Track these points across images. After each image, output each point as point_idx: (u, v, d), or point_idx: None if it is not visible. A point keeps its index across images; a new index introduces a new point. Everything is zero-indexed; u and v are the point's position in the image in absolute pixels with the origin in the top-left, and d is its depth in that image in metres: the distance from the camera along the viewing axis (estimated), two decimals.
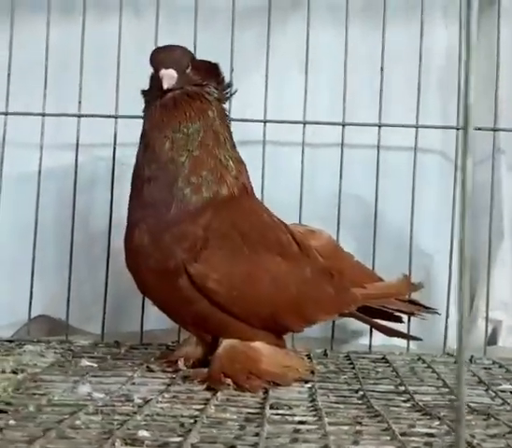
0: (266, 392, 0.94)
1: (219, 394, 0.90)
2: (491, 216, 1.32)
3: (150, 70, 0.99)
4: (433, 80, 1.36)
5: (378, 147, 1.29)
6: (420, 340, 1.22)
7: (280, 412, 0.82)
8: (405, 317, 1.23)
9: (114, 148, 1.30)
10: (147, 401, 0.84)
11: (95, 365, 1.08)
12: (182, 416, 0.77)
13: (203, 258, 0.93)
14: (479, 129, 1.28)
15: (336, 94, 1.34)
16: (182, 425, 0.74)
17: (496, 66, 1.29)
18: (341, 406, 0.88)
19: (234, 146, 1.00)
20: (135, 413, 0.78)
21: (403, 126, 1.31)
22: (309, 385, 0.99)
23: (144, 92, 1.02)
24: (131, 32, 1.35)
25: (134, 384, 0.96)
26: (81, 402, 0.83)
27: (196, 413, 0.79)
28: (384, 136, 1.33)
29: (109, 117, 1.30)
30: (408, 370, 1.14)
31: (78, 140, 1.31)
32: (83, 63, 1.31)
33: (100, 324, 1.45)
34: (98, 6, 1.37)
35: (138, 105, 1.31)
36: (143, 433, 0.68)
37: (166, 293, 0.98)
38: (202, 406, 0.83)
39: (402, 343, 1.32)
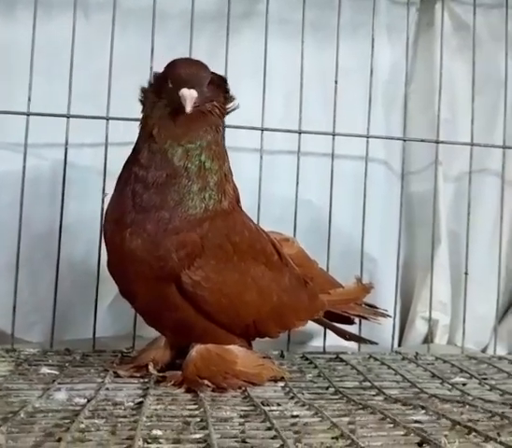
0: (244, 391, 0.95)
1: (201, 395, 0.90)
2: (434, 222, 1.40)
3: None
4: (377, 94, 1.43)
5: (333, 155, 1.34)
6: (376, 344, 1.28)
7: (274, 408, 0.84)
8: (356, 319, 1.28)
9: (66, 149, 1.26)
10: (137, 404, 0.82)
11: (57, 372, 1.04)
12: (184, 416, 0.77)
13: (196, 265, 0.93)
14: (423, 141, 1.38)
15: (289, 104, 1.38)
16: (187, 423, 0.73)
17: (439, 83, 1.38)
18: (322, 401, 0.91)
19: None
20: (133, 415, 0.76)
21: (355, 136, 1.37)
22: (282, 384, 1.01)
23: (144, 92, 0.99)
24: (78, 32, 1.32)
25: (108, 389, 0.93)
26: (70, 408, 0.80)
27: (196, 412, 0.79)
28: (331, 145, 1.38)
29: (61, 116, 1.26)
30: (365, 368, 1.19)
31: (26, 140, 1.26)
32: (33, 62, 1.26)
33: (40, 332, 1.41)
34: (43, 5, 1.33)
35: (88, 106, 1.31)
36: (157, 432, 0.68)
37: (152, 299, 0.96)
38: (195, 406, 0.83)
39: (350, 343, 1.38)
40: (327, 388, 1.01)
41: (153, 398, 0.87)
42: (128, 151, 1.01)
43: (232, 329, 1.00)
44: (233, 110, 1.00)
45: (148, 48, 1.30)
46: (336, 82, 1.33)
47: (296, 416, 0.79)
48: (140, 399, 0.86)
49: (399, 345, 1.50)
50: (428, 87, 1.46)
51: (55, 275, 1.27)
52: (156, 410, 0.80)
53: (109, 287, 1.32)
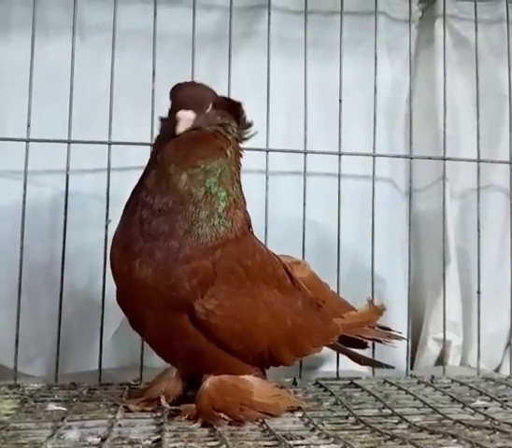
0: (262, 423, 0.91)
1: (219, 429, 0.86)
2: (444, 240, 1.38)
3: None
4: (380, 111, 1.41)
5: (339, 175, 1.32)
6: (393, 368, 1.24)
7: (298, 442, 0.80)
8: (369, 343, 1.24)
9: (67, 176, 1.23)
10: (155, 442, 0.78)
11: (64, 409, 0.99)
12: None
13: (209, 293, 0.90)
14: (430, 158, 1.36)
15: (290, 123, 1.36)
16: None
17: (443, 99, 1.37)
18: (346, 432, 0.87)
19: (240, 184, 0.98)
20: None
21: (361, 155, 1.35)
22: (300, 414, 0.97)
23: (162, 120, 0.97)
24: (75, 55, 1.30)
25: (120, 426, 0.89)
26: None
27: None
28: (335, 165, 1.36)
29: (62, 142, 1.23)
30: (382, 393, 1.15)
31: (26, 167, 1.22)
32: (32, 88, 1.23)
33: (42, 365, 1.36)
34: (39, 27, 1.30)
35: (88, 130, 1.29)
36: None
37: (162, 328, 0.93)
38: (216, 442, 0.79)
39: (361, 367, 1.34)
40: (347, 417, 0.97)
41: (170, 434, 0.83)
42: (130, 176, 0.98)
43: (245, 357, 0.96)
44: (251, 136, 0.98)
45: (146, 70, 1.28)
46: (341, 101, 1.31)
47: None
48: (157, 437, 0.81)
49: (411, 368, 1.46)
50: (429, 103, 1.45)
51: (59, 306, 1.22)
52: None
53: (112, 317, 1.28)
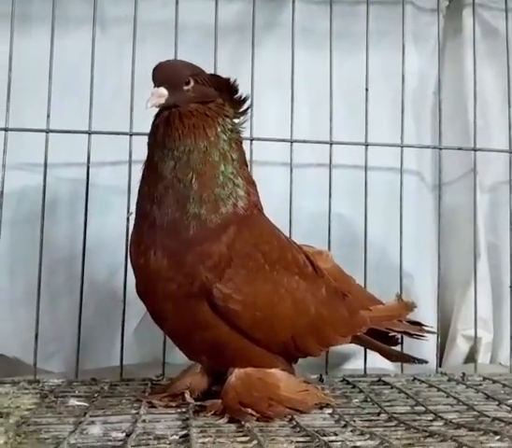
0: (291, 420, 0.88)
1: (247, 425, 0.83)
2: (475, 234, 1.33)
3: None
4: (406, 102, 1.37)
5: (366, 166, 1.28)
6: (427, 362, 1.19)
7: (332, 438, 0.76)
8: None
9: (88, 168, 1.20)
10: (182, 437, 0.75)
11: (86, 404, 0.97)
12: None
13: (226, 277, 0.87)
14: (460, 149, 1.32)
15: (314, 114, 1.32)
16: None
17: (474, 90, 1.33)
18: (380, 429, 0.83)
19: (245, 164, 0.94)
20: None
21: (389, 145, 1.31)
22: (329, 411, 0.94)
23: None
24: (96, 46, 1.28)
25: (145, 421, 0.86)
26: (109, 444, 0.73)
27: (249, 445, 0.72)
28: (360, 156, 1.32)
29: (82, 132, 1.20)
30: (412, 391, 1.11)
31: (46, 158, 1.20)
32: (52, 78, 1.21)
33: (61, 361, 1.34)
34: (59, 19, 1.28)
35: (107, 122, 1.26)
36: None
37: (183, 320, 0.90)
38: (246, 438, 0.76)
39: (386, 364, 1.30)
40: (379, 414, 0.93)
41: (197, 430, 0.80)
42: None
43: (269, 347, 0.92)
44: (243, 112, 0.94)
45: None
46: (367, 90, 1.28)
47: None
48: (183, 432, 0.78)
49: (439, 365, 1.41)
50: (457, 94, 1.42)
51: (79, 300, 1.19)
52: (205, 444, 0.73)
53: (133, 312, 1.26)
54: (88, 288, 1.24)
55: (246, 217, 0.90)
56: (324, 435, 0.77)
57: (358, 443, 0.73)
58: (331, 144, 1.28)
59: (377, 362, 1.29)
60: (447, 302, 1.44)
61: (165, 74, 0.90)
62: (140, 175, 0.94)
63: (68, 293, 1.27)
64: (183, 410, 0.92)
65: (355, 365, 1.35)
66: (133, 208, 1.18)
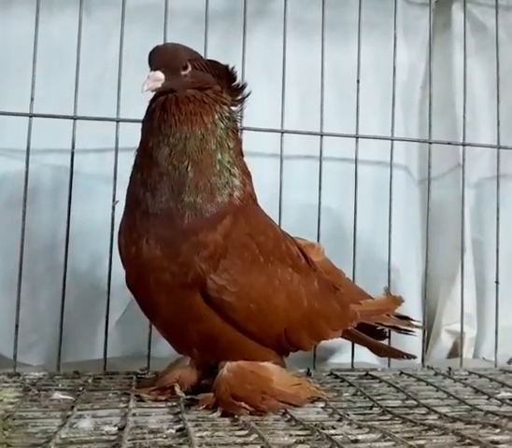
0: (285, 413, 0.86)
1: (241, 418, 0.81)
2: (463, 230, 1.33)
3: None
4: (396, 95, 1.36)
5: (356, 159, 1.27)
6: (415, 358, 1.19)
7: (332, 431, 0.75)
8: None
9: (72, 154, 1.16)
10: (179, 431, 0.73)
11: (71, 398, 0.93)
12: (240, 444, 0.67)
13: (221, 268, 0.84)
14: (449, 143, 1.31)
15: (304, 105, 1.31)
16: None
17: (464, 84, 1.33)
18: (376, 422, 0.82)
19: (240, 154, 0.92)
20: (181, 443, 0.66)
21: (379, 138, 1.30)
22: (322, 405, 0.93)
23: None
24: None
25: (135, 415, 0.83)
26: (103, 437, 0.71)
27: (250, 438, 0.70)
28: (348, 149, 1.31)
29: (67, 117, 1.16)
30: (402, 385, 1.10)
31: (28, 143, 1.15)
32: (36, 61, 1.16)
33: (41, 354, 1.30)
34: (43, 2, 1.24)
35: (93, 107, 1.22)
36: None
37: (176, 311, 0.87)
38: (245, 432, 0.74)
39: (371, 359, 1.30)
40: (371, 408, 0.92)
41: (191, 423, 0.78)
42: None
43: (262, 341, 0.91)
44: (241, 100, 0.92)
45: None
46: (359, 81, 1.26)
47: (361, 441, 0.70)
48: (178, 426, 0.76)
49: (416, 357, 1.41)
50: (446, 89, 1.42)
51: (62, 291, 1.15)
52: (203, 437, 0.71)
53: (116, 304, 1.22)
54: (70, 278, 1.20)
55: (241, 207, 0.88)
56: (323, 428, 0.76)
57: (359, 437, 0.72)
58: (321, 135, 1.26)
59: (363, 356, 1.29)
60: (431, 297, 1.44)
61: (163, 57, 0.87)
62: (131, 161, 0.92)
63: (49, 283, 1.22)
64: (173, 403, 0.90)
65: (341, 359, 1.35)
66: (118, 196, 1.16)
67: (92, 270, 1.27)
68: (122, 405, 0.89)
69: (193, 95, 0.87)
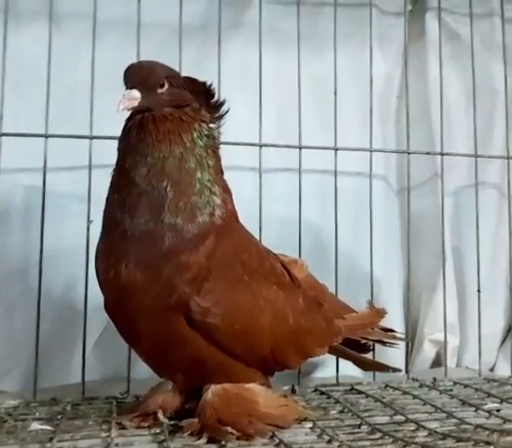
0: (273, 436, 0.84)
1: (228, 445, 0.79)
2: (443, 239, 1.33)
3: None
4: (372, 106, 1.36)
5: (335, 171, 1.25)
6: (400, 371, 1.18)
7: None
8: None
9: (44, 173, 1.13)
10: None
11: (50, 428, 0.90)
12: None
13: (205, 290, 0.82)
14: (428, 153, 1.31)
15: (281, 118, 1.29)
16: None
17: (440, 94, 1.32)
18: (366, 443, 0.81)
19: (221, 171, 0.90)
20: None
21: (358, 150, 1.29)
22: (310, 425, 0.91)
23: None
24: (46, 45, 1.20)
25: (117, 445, 0.81)
26: None
27: None
28: (326, 161, 1.30)
29: (38, 136, 1.13)
30: (388, 399, 1.09)
31: None
32: (4, 77, 1.13)
33: (17, 380, 1.26)
34: (10, 14, 1.21)
35: (65, 125, 1.19)
36: None
37: (158, 336, 0.84)
38: None
39: (355, 372, 1.28)
40: (360, 426, 0.90)
41: None
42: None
43: (248, 362, 0.88)
44: (220, 117, 0.90)
45: (129, 60, 1.19)
46: (336, 93, 1.25)
47: None
48: None
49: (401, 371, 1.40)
50: (421, 98, 1.41)
51: (37, 314, 1.11)
52: None
53: (93, 326, 1.19)
54: (44, 301, 1.16)
55: (223, 227, 0.85)
56: None
57: None
58: (300, 148, 1.24)
59: (347, 369, 1.27)
60: (413, 307, 1.43)
61: (138, 75, 0.85)
62: (105, 179, 0.89)
63: (24, 306, 1.18)
64: (157, 431, 0.87)
65: (324, 373, 1.33)
66: (93, 216, 1.13)
67: (68, 292, 1.24)
68: (104, 434, 0.85)
69: (171, 113, 0.85)
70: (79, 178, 1.16)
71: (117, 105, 0.80)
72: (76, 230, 1.15)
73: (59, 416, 0.96)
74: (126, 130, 0.86)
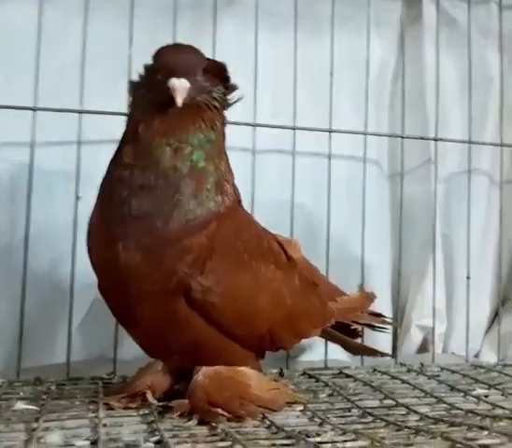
0: (264, 419, 0.83)
1: (220, 426, 0.77)
2: (435, 225, 1.32)
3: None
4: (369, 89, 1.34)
5: (330, 154, 1.23)
6: (390, 356, 1.18)
7: (317, 439, 0.72)
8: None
9: (32, 148, 1.09)
10: (157, 443, 0.68)
11: (35, 408, 0.88)
12: None
13: (207, 270, 0.80)
14: (421, 138, 1.30)
15: (276, 99, 1.27)
16: None
17: (436, 79, 1.31)
18: (358, 426, 0.80)
19: (226, 154, 0.88)
20: None
21: (352, 133, 1.27)
22: (300, 408, 0.90)
23: (133, 85, 0.86)
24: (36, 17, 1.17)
25: (106, 425, 0.78)
26: None
27: None
28: (319, 144, 1.28)
29: (27, 109, 1.09)
30: (377, 383, 1.08)
31: None
32: None
33: None
34: None
35: (55, 99, 1.15)
36: None
37: (158, 319, 0.82)
38: (228, 443, 0.70)
39: (342, 356, 1.28)
40: (350, 410, 0.90)
41: (168, 434, 0.73)
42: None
43: (245, 342, 0.87)
44: (235, 102, 0.87)
45: (121, 35, 1.16)
46: (332, 75, 1.23)
47: None
48: (156, 438, 0.72)
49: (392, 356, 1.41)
50: (416, 83, 1.40)
51: (21, 293, 1.08)
52: None
53: (78, 306, 1.16)
54: (29, 280, 1.13)
55: (227, 209, 0.84)
56: (308, 436, 0.73)
57: (347, 445, 0.69)
58: (294, 129, 1.22)
59: (334, 353, 1.27)
60: (401, 293, 1.43)
61: (182, 63, 0.81)
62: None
63: (8, 285, 1.15)
64: (146, 412, 0.85)
65: (312, 356, 1.32)
66: (81, 193, 1.11)
67: (53, 270, 1.21)
68: (91, 415, 0.83)
69: (207, 100, 0.83)
70: (68, 154, 1.13)
71: (176, 100, 0.76)
72: (63, 207, 1.12)
73: (44, 396, 0.94)
74: (162, 114, 0.81)
